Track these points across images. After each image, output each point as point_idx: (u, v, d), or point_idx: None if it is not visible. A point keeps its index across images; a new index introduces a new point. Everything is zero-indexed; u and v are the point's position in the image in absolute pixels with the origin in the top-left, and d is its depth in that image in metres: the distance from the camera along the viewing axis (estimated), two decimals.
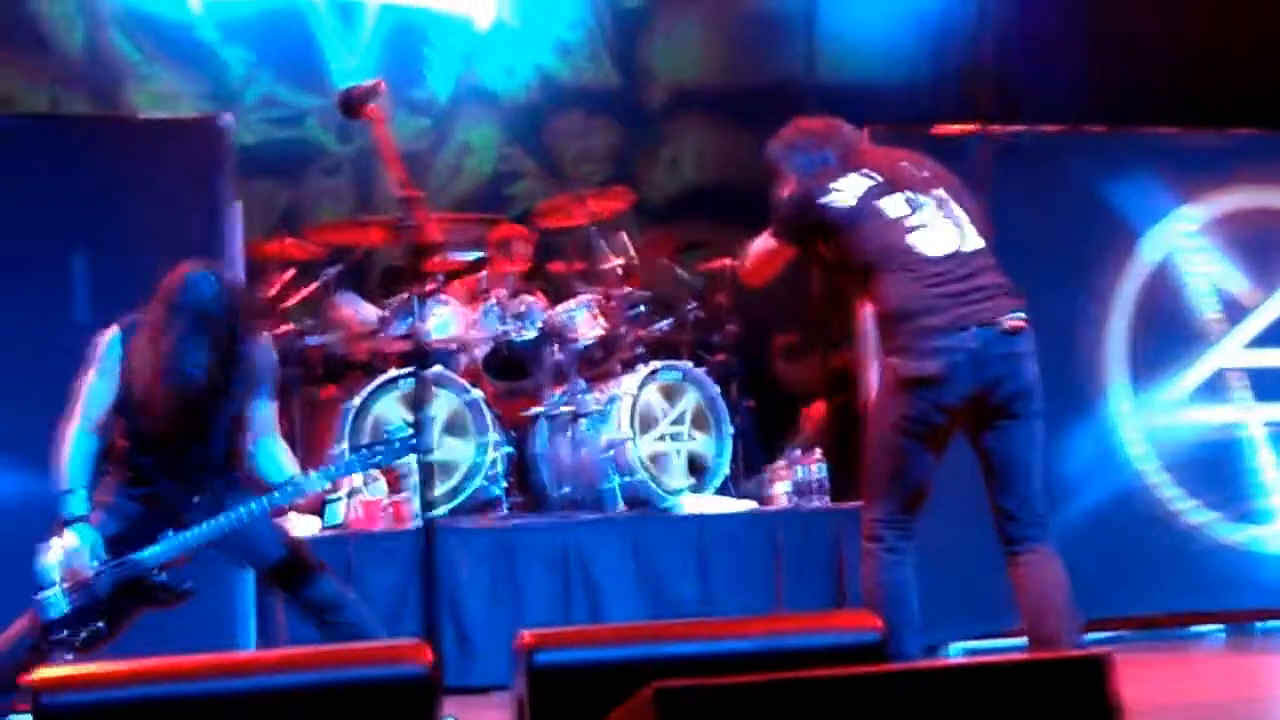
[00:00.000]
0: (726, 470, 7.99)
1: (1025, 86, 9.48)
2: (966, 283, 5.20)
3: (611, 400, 7.83)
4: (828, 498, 8.08)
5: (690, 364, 8.09)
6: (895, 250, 5.20)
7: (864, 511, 5.43)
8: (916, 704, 3.12)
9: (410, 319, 7.43)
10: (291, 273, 8.42)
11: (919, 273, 5.18)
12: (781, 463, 8.17)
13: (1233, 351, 8.48)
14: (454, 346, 8.01)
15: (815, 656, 3.44)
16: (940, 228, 5.26)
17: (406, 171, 5.01)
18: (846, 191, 5.27)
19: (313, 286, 8.43)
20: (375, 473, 7.07)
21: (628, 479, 7.73)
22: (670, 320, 8.44)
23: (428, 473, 4.80)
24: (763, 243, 5.50)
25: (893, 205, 5.26)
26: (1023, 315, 5.24)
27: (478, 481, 7.61)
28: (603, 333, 8.11)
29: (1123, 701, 3.10)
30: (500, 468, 7.71)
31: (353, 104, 5.16)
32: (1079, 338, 8.20)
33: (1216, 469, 8.36)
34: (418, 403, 4.74)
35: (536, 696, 3.37)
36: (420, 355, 5.38)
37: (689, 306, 8.58)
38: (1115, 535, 8.00)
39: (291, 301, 8.42)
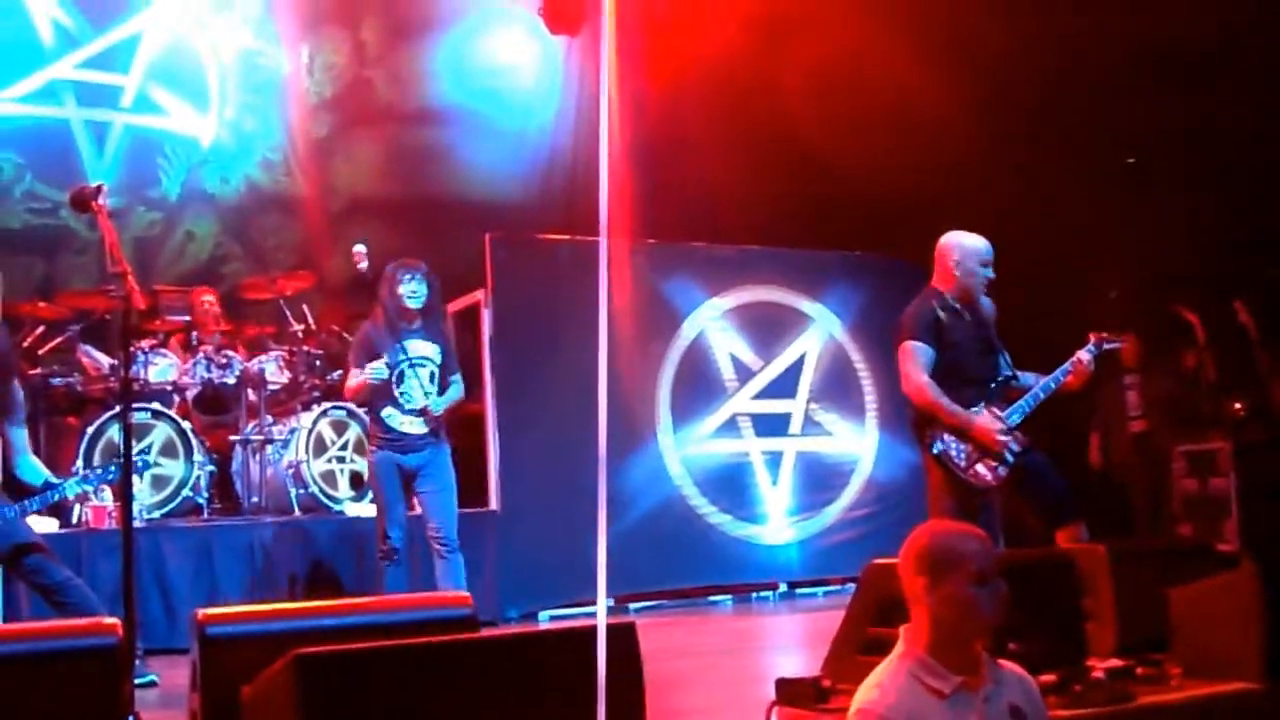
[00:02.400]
0: None
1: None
2: None
3: (293, 431, 7.63)
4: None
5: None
6: None
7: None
8: (496, 662, 3.10)
9: (134, 367, 7.08)
10: (42, 329, 7.91)
11: None
12: None
13: (742, 401, 8.78)
14: (170, 388, 7.67)
15: (423, 626, 3.38)
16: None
17: (124, 252, 4.75)
18: None
19: (60, 339, 7.91)
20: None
21: (303, 491, 7.53)
22: (339, 372, 8.20)
23: (128, 486, 4.52)
24: None
25: None
26: None
27: (186, 492, 7.29)
28: (287, 380, 7.91)
29: (642, 656, 3.14)
30: (204, 481, 7.40)
31: (80, 200, 4.88)
32: (641, 391, 8.35)
33: (730, 485, 8.64)
34: (128, 434, 4.47)
35: (206, 660, 3.26)
36: (135, 395, 5.10)
37: None
38: (659, 531, 8.18)
39: (43, 351, 7.88)
